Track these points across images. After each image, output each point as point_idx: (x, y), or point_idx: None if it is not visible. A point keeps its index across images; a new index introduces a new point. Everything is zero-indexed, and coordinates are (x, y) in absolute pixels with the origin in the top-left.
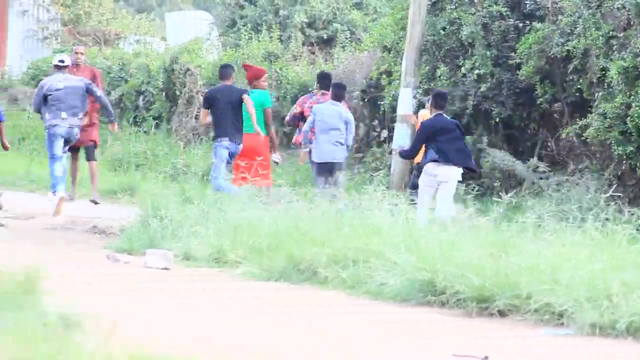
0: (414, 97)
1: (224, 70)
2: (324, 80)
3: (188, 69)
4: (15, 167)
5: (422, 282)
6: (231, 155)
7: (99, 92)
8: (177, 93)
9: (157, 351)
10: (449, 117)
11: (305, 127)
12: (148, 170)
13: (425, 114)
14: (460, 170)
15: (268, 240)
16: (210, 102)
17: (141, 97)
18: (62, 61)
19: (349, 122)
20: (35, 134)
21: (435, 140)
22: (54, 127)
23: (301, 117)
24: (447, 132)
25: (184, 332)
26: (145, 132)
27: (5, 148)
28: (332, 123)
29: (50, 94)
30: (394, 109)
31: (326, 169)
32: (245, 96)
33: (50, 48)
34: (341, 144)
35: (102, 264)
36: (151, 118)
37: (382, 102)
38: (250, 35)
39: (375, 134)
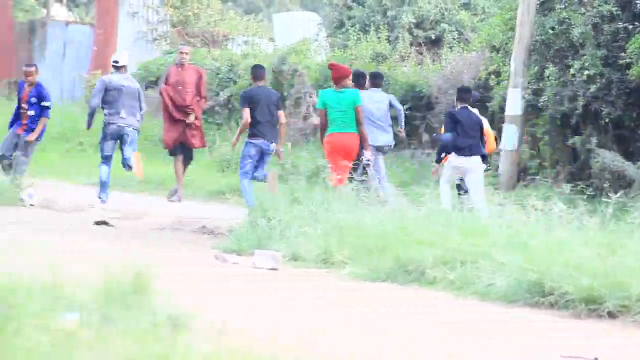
0: (523, 97)
1: (258, 71)
2: (357, 78)
3: (296, 70)
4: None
5: (530, 282)
6: (262, 153)
7: (143, 105)
8: (285, 94)
9: (267, 352)
10: (473, 110)
11: None
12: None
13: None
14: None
15: (375, 240)
16: (250, 102)
17: None
18: (117, 61)
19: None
20: (144, 135)
21: (454, 131)
22: (110, 125)
23: None
24: (463, 125)
25: (292, 333)
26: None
27: (29, 140)
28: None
29: (111, 91)
30: (502, 110)
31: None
32: (359, 106)
33: (160, 49)
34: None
35: (210, 265)
36: None
37: (490, 103)
38: (358, 36)
39: None
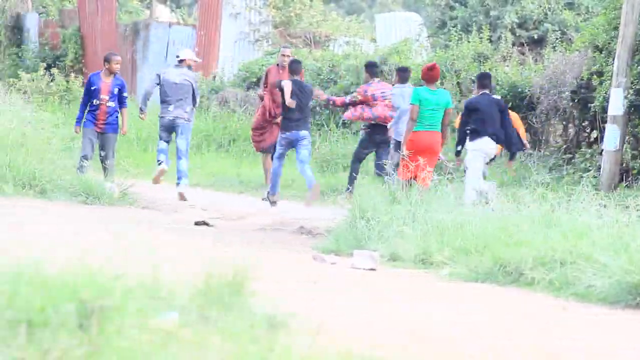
0: (625, 97)
1: (296, 66)
2: (371, 68)
3: None
4: (225, 168)
5: (632, 284)
6: (293, 143)
7: (197, 99)
8: None
9: (365, 352)
10: (494, 97)
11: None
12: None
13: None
14: (493, 144)
15: (474, 241)
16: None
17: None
18: (178, 56)
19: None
20: (245, 135)
21: (471, 117)
22: (161, 119)
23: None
24: (483, 111)
25: (389, 333)
26: (353, 133)
27: (123, 132)
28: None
29: (163, 86)
30: (604, 110)
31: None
32: (449, 109)
33: (261, 50)
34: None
35: (308, 265)
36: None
37: (592, 103)
38: (459, 36)
39: (585, 134)
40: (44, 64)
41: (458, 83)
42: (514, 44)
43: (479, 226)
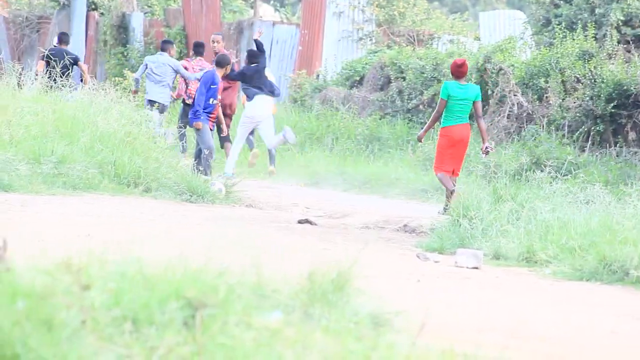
0: None
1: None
2: (197, 47)
3: (501, 68)
4: (329, 166)
5: None
6: None
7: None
8: (490, 92)
9: (468, 350)
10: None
11: None
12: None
13: None
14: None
15: (579, 239)
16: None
17: None
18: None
19: None
20: (349, 133)
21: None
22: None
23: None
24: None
25: (492, 332)
26: None
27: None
28: None
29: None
30: None
31: None
32: (478, 102)
33: (365, 49)
34: None
35: (412, 263)
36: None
37: None
38: (564, 33)
39: None
40: None
41: (563, 81)
42: (619, 42)
43: (584, 224)
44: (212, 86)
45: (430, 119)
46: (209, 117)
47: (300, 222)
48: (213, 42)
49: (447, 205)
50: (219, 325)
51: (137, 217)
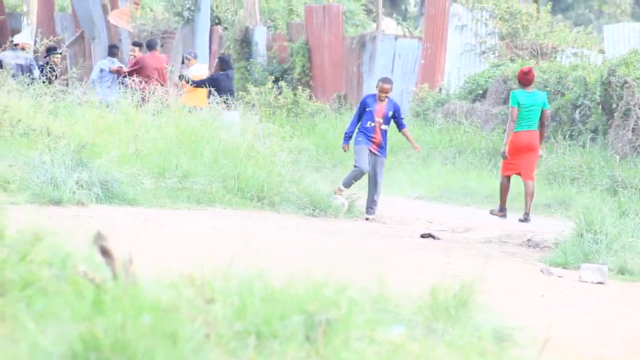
0: None
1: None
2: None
3: (625, 82)
4: (451, 180)
5: None
6: None
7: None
8: (614, 106)
9: None
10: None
11: None
12: (583, 183)
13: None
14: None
15: None
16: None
17: (577, 111)
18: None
19: None
20: (472, 147)
21: None
22: None
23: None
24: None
25: (616, 347)
26: (581, 145)
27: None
28: None
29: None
30: None
31: None
32: (546, 109)
33: (488, 62)
34: None
35: (535, 278)
36: (587, 131)
37: None
38: None
39: None
40: (272, 77)
41: None
42: None
43: None
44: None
45: (507, 131)
46: None
47: (423, 236)
48: (130, 52)
49: (501, 207)
50: (342, 339)
51: (260, 230)
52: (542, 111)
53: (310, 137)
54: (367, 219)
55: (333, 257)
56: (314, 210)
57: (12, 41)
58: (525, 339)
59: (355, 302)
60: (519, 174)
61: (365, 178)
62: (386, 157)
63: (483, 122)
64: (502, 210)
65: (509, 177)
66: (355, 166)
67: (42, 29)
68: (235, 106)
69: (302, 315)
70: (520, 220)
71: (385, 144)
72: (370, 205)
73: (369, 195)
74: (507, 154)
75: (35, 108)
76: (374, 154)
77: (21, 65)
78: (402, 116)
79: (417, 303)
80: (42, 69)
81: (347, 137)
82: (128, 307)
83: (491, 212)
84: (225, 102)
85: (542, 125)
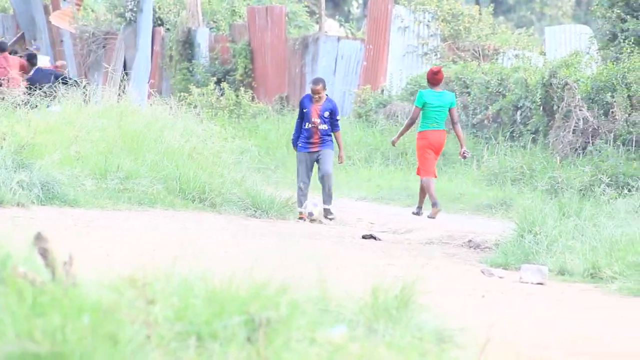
0: None
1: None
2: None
3: (566, 83)
4: (393, 181)
5: None
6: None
7: None
8: (555, 107)
9: None
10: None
11: None
12: (524, 184)
13: None
14: None
15: None
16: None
17: (518, 112)
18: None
19: None
20: (413, 148)
21: None
22: None
23: None
24: None
25: (556, 348)
26: (522, 147)
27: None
28: None
29: None
30: None
31: None
32: (453, 108)
33: (430, 64)
34: None
35: (476, 279)
36: (528, 132)
37: None
38: (632, 49)
39: None
40: (214, 79)
41: (629, 96)
42: None
43: None
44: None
45: (404, 126)
46: None
47: (364, 237)
48: None
49: (419, 208)
50: (283, 340)
51: (201, 232)
52: (450, 110)
53: (253, 138)
54: (329, 218)
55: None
56: (256, 212)
57: None
58: (466, 340)
59: (297, 303)
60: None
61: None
62: (332, 149)
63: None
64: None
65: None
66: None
67: None
68: (59, 101)
69: (243, 316)
70: (414, 213)
71: (329, 140)
72: (327, 200)
73: (323, 189)
74: (395, 143)
75: None
76: (316, 151)
77: None
78: (339, 117)
79: (358, 304)
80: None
81: (294, 143)
82: (68, 308)
83: (413, 213)
84: (45, 96)
85: (454, 123)
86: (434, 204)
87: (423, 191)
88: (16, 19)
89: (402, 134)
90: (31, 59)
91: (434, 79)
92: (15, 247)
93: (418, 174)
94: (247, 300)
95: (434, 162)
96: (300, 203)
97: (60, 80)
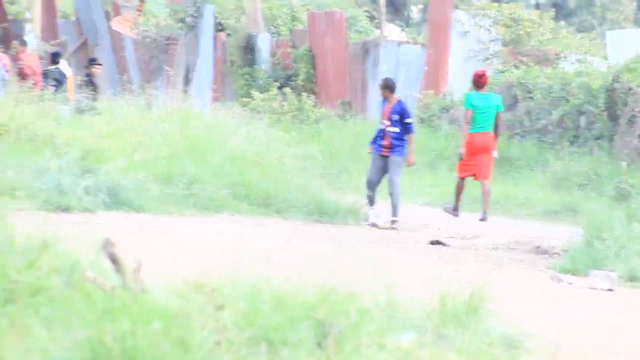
0: None
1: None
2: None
3: (630, 88)
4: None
5: None
6: None
7: None
8: (619, 112)
9: None
10: None
11: None
12: (590, 190)
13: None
14: None
15: None
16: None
17: (582, 117)
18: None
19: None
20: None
21: None
22: None
23: None
24: None
25: (626, 354)
26: (587, 152)
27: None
28: None
29: None
30: None
31: None
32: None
33: (491, 68)
34: None
35: (545, 284)
36: (592, 137)
37: None
38: None
39: None
40: (276, 84)
41: None
42: None
43: None
44: None
45: (462, 132)
46: None
47: (432, 243)
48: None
49: (455, 207)
50: (353, 346)
51: (268, 237)
52: (496, 114)
53: (316, 143)
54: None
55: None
56: (321, 217)
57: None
58: (536, 346)
59: (366, 310)
60: (474, 175)
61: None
62: (402, 157)
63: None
64: (455, 210)
65: (464, 179)
66: None
67: (45, 36)
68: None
69: (312, 321)
70: (480, 220)
71: (400, 145)
72: (393, 212)
73: (391, 200)
74: (463, 154)
75: (40, 114)
76: (385, 156)
77: None
78: (410, 120)
79: (426, 310)
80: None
81: (372, 143)
82: (137, 314)
83: (445, 210)
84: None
85: (496, 127)
86: (454, 207)
87: (458, 190)
88: (79, 25)
89: (464, 141)
90: (55, 57)
91: (478, 81)
92: (83, 252)
93: (456, 173)
94: (315, 305)
95: (476, 166)
96: (372, 202)
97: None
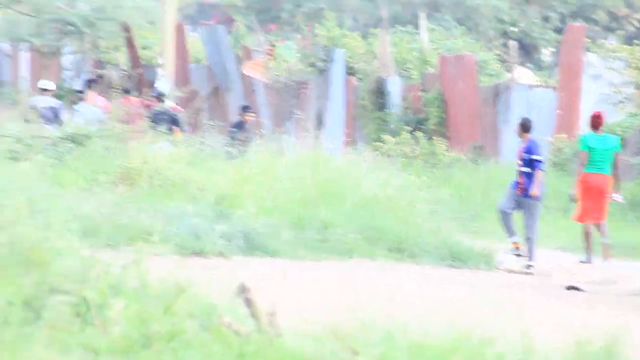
0: None
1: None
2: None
3: None
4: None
5: None
6: None
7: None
8: None
9: None
10: None
11: None
12: None
13: None
14: None
15: None
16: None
17: None
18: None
19: None
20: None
21: None
22: None
23: None
24: None
25: None
26: None
27: (532, 196)
28: None
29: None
30: None
31: None
32: (618, 152)
33: (623, 112)
34: None
35: None
36: None
37: None
38: None
39: None
40: (408, 127)
41: None
42: None
43: None
44: None
45: (576, 175)
46: None
47: (568, 288)
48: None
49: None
50: None
51: (401, 282)
52: (615, 155)
53: (447, 187)
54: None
55: (476, 309)
56: (454, 262)
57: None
58: None
59: (501, 354)
60: (595, 218)
61: None
62: (537, 200)
63: (622, 172)
64: (589, 260)
65: (587, 224)
66: None
67: (177, 80)
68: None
69: None
70: (582, 262)
71: (531, 186)
72: (529, 257)
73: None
74: (575, 196)
75: (172, 159)
76: (520, 195)
77: (50, 108)
78: (536, 157)
79: (562, 355)
80: (239, 126)
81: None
82: (273, 358)
83: (581, 262)
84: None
85: (615, 168)
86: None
87: (587, 237)
88: (210, 70)
89: (577, 180)
90: (160, 97)
91: (595, 122)
92: (217, 297)
93: (574, 218)
94: (450, 351)
95: (593, 208)
96: (510, 231)
97: (172, 120)
